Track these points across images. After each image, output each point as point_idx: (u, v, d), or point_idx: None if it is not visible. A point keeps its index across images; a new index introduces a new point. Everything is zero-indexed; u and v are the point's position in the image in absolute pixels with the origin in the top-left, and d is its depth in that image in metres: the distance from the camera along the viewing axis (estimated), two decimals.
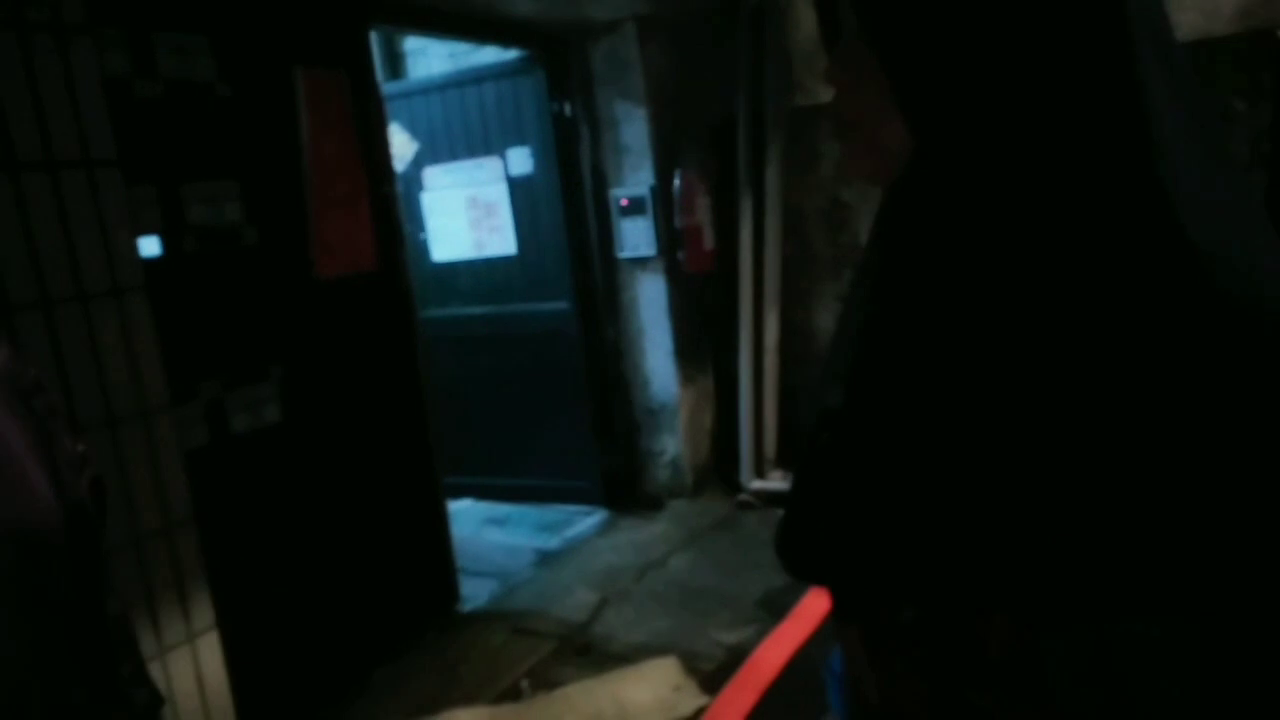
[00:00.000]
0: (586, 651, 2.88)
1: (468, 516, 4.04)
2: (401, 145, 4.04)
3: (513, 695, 2.68)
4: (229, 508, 2.45)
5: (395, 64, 4.57)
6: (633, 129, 3.75)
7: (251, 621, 2.42)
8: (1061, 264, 0.66)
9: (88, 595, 0.85)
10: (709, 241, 3.86)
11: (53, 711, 0.78)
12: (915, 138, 0.71)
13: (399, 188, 3.87)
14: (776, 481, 3.85)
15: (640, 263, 3.84)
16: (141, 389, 2.05)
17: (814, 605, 2.91)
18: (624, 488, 4.00)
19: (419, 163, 4.09)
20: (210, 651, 2.19)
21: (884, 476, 0.73)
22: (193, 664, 2.15)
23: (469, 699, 2.65)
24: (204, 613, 2.18)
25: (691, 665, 2.70)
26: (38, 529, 0.76)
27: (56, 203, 1.91)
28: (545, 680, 2.74)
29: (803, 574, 0.83)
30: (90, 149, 1.97)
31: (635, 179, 3.78)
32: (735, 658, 2.73)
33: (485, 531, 3.95)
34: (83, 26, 1.96)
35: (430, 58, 4.47)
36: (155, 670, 2.04)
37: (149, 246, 2.33)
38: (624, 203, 3.79)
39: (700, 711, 2.49)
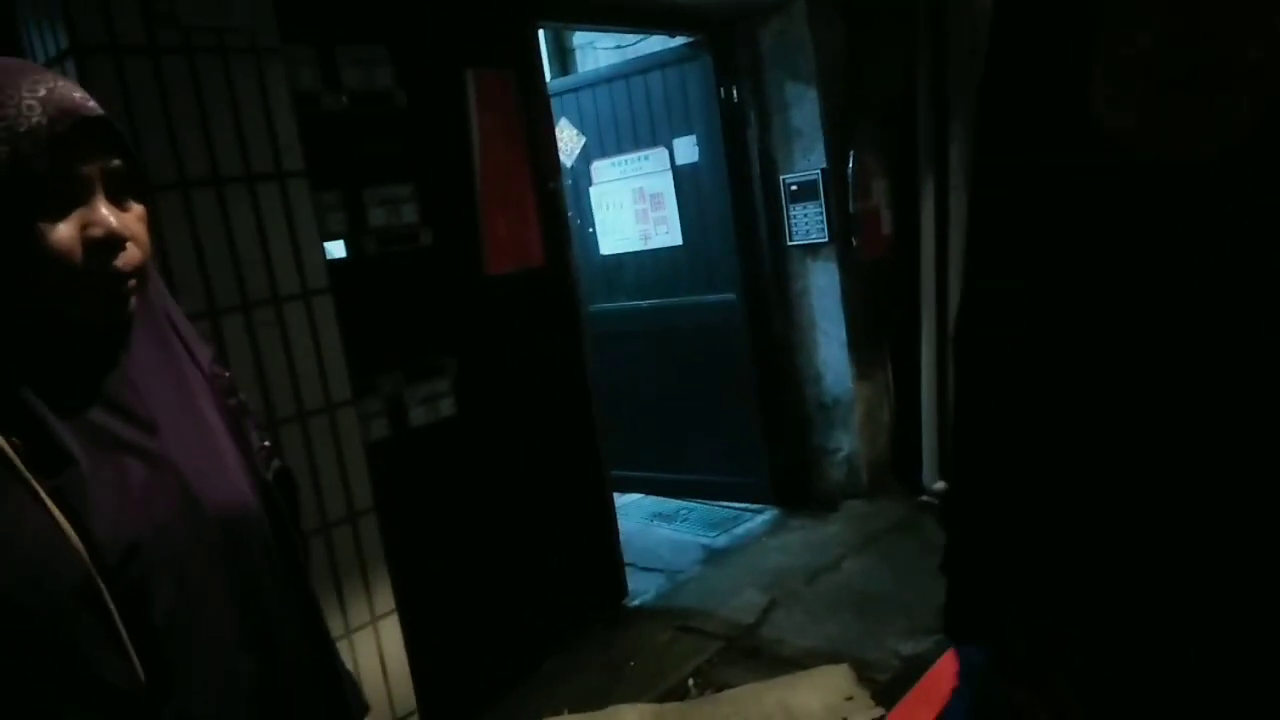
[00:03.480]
0: (754, 654, 2.81)
1: (635, 511, 4.05)
2: (569, 140, 4.10)
3: (679, 694, 2.65)
4: (408, 498, 2.55)
5: (564, 60, 4.63)
6: (803, 111, 3.60)
7: (428, 608, 2.51)
8: None
9: (292, 575, 0.93)
10: (887, 226, 3.66)
11: (272, 681, 0.85)
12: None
13: (568, 182, 3.93)
14: None
15: (811, 250, 3.69)
16: (327, 384, 2.16)
17: None
18: (795, 486, 3.88)
19: (587, 156, 4.12)
20: (391, 634, 2.29)
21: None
22: (375, 645, 2.25)
23: (635, 695, 2.64)
24: (385, 597, 2.28)
25: (864, 675, 2.58)
26: (240, 512, 0.86)
27: (253, 212, 2.04)
28: (712, 680, 2.69)
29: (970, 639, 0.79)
30: (282, 162, 2.09)
31: (806, 163, 3.63)
32: (912, 670, 2.57)
33: (653, 526, 3.94)
34: (275, 49, 2.08)
35: (598, 51, 4.49)
36: (343, 649, 2.15)
37: (334, 249, 2.45)
38: (794, 187, 3.65)
39: None
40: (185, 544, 0.79)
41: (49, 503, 0.71)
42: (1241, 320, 0.58)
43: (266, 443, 0.98)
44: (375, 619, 2.26)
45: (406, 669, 2.32)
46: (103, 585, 0.72)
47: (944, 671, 2.54)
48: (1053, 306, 0.64)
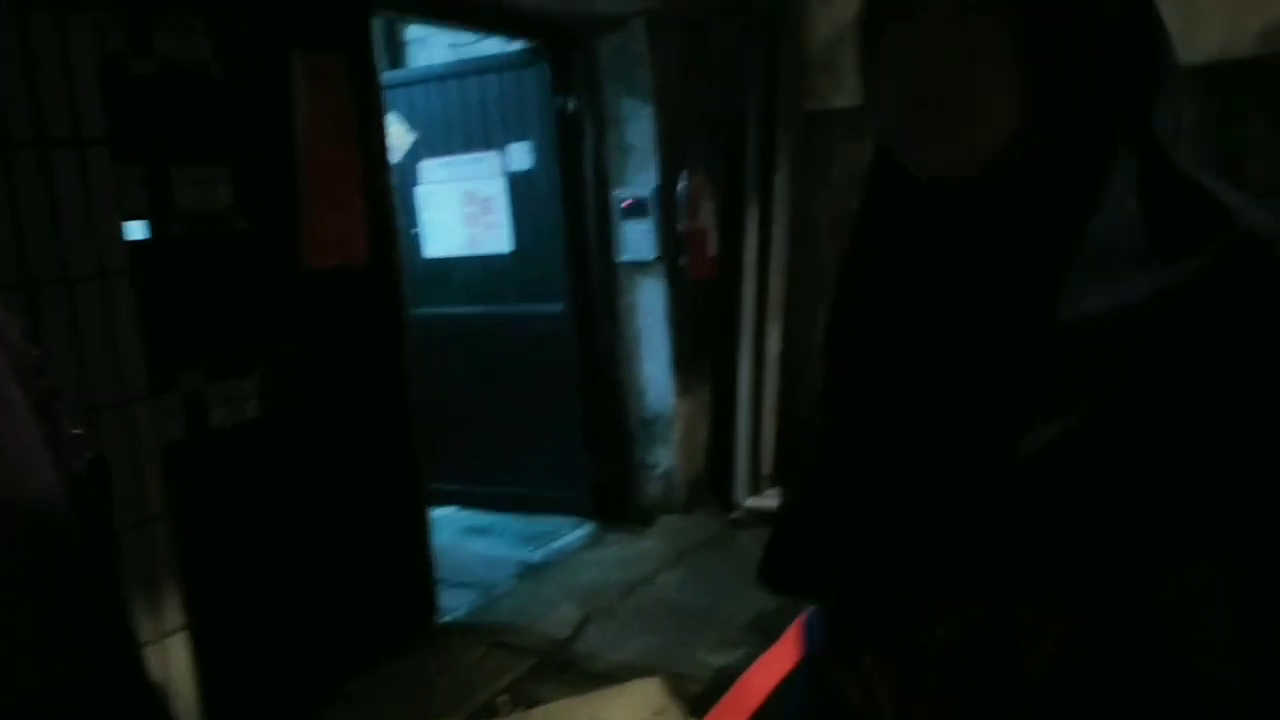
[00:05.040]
0: (568, 669, 2.79)
1: (449, 524, 3.92)
2: (398, 136, 3.94)
3: (489, 712, 2.59)
4: (204, 505, 2.35)
5: (395, 53, 4.47)
6: (638, 127, 3.66)
7: (222, 624, 2.31)
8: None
9: (97, 577, 0.82)
10: (713, 247, 3.79)
11: (65, 688, 0.75)
12: (1035, 119, 0.67)
13: (394, 180, 3.78)
14: (772, 499, 3.77)
15: (640, 267, 3.75)
16: (122, 377, 1.96)
17: None
18: (613, 500, 3.90)
19: (415, 155, 3.98)
20: (179, 653, 2.10)
21: (880, 487, 0.71)
22: (160, 665, 2.05)
23: (444, 714, 2.55)
24: (174, 611, 2.08)
25: (677, 687, 2.62)
26: (43, 505, 0.75)
27: (45, 182, 1.82)
28: (524, 697, 2.65)
29: (791, 588, 0.83)
30: (82, 127, 1.88)
31: (639, 179, 3.69)
32: (723, 680, 2.65)
33: (467, 541, 3.83)
34: (80, 4, 1.86)
35: (432, 47, 4.37)
36: None
37: (135, 230, 2.23)
38: (625, 204, 3.70)
39: None
40: None
41: None
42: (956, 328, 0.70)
43: (78, 430, 0.87)
44: (162, 635, 2.05)
45: (194, 691, 2.12)
46: None
47: (752, 681, 2.64)
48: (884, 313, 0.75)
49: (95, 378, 1.89)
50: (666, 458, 3.85)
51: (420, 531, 3.07)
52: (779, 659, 2.73)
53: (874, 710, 0.75)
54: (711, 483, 3.96)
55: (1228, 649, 0.64)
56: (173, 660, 2.07)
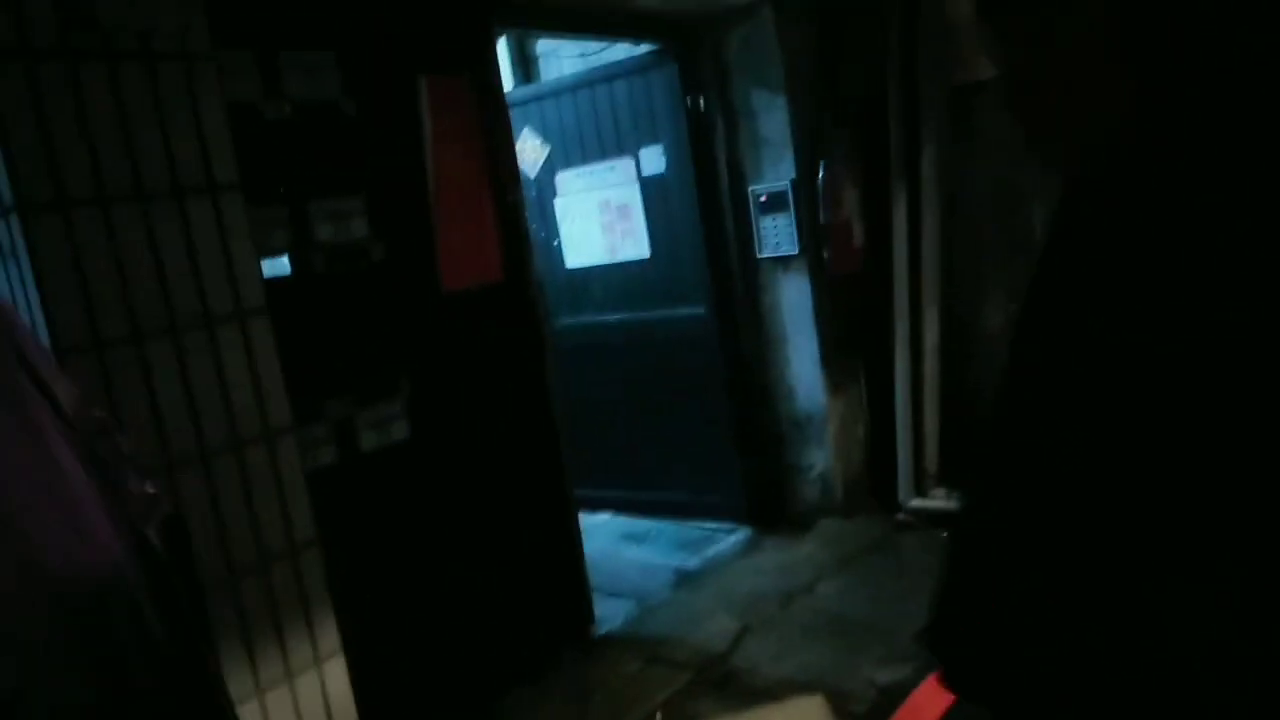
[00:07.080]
0: (726, 684, 2.69)
1: (605, 531, 3.92)
2: (533, 150, 3.98)
3: None
4: (358, 528, 2.42)
5: (527, 67, 4.52)
6: (772, 119, 3.51)
7: (379, 645, 2.38)
8: None
9: (177, 637, 0.81)
10: (858, 237, 3.58)
11: None
12: (1150, 104, 0.59)
13: (532, 193, 3.82)
14: (939, 500, 3.51)
15: (782, 262, 3.60)
16: (265, 410, 2.03)
17: None
18: (768, 504, 3.77)
19: (551, 167, 4.01)
20: (337, 676, 2.15)
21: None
22: (320, 689, 2.12)
23: None
24: (330, 637, 2.14)
25: (841, 705, 2.48)
26: (102, 577, 0.73)
27: (183, 228, 1.91)
28: (681, 713, 2.58)
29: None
30: (214, 174, 1.96)
31: (775, 173, 3.54)
32: (890, 700, 2.47)
33: (622, 548, 3.81)
34: (208, 54, 1.95)
35: (562, 59, 4.39)
36: (283, 695, 2.02)
37: (279, 266, 2.32)
38: (763, 199, 3.56)
39: None
40: (25, 618, 0.68)
41: None
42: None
43: (151, 490, 0.87)
44: (319, 660, 2.12)
45: (354, 714, 2.18)
46: None
47: (921, 702, 2.44)
48: None
49: (240, 413, 1.97)
50: (821, 459, 3.67)
51: (572, 542, 3.06)
52: None
53: None
54: (872, 484, 3.74)
55: (1227, 650, 0.60)
56: (331, 684, 2.13)
